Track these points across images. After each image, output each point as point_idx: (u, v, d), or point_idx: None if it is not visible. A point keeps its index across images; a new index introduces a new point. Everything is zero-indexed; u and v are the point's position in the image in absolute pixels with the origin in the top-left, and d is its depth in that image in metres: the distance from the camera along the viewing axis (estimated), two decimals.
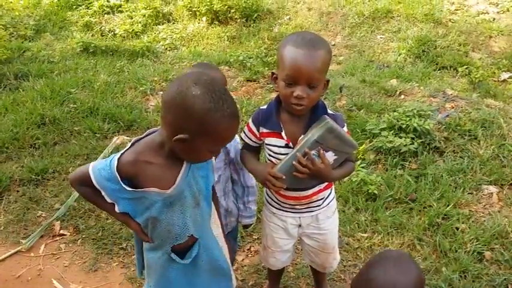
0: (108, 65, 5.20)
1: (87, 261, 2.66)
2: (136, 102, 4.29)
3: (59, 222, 2.92)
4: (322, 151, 1.63)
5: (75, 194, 3.08)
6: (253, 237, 2.82)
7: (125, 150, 1.46)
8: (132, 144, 1.48)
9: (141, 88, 4.49)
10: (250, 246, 2.76)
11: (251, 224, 2.19)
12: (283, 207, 1.93)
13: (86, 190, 1.49)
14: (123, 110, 4.06)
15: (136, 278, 2.53)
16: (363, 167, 3.25)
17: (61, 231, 2.86)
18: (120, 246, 2.74)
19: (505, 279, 2.43)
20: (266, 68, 5.01)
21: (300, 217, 1.95)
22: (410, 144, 3.40)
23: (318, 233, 1.99)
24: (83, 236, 2.83)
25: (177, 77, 1.49)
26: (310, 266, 2.28)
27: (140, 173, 1.43)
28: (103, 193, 1.43)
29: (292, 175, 1.67)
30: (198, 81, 1.33)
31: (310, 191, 1.85)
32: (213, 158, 1.59)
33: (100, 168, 1.42)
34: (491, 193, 3.10)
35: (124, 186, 1.41)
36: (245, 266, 2.61)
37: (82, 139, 3.75)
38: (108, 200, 1.45)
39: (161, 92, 4.52)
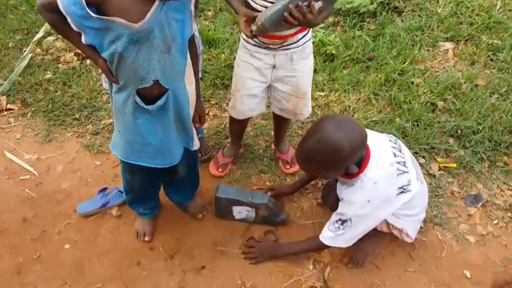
0: None
1: (39, 133, 2.58)
2: None
3: (4, 97, 2.77)
4: (312, 2, 1.58)
5: (19, 69, 2.89)
6: (211, 102, 2.78)
7: None
8: None
9: None
10: (208, 111, 2.73)
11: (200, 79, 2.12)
12: (259, 44, 1.89)
13: (53, 17, 1.37)
14: None
15: (94, 146, 2.49)
16: (321, 28, 3.15)
17: (8, 106, 2.74)
18: (74, 117, 2.66)
19: (455, 125, 2.53)
20: None
21: (274, 55, 1.91)
22: (370, 4, 3.29)
23: (291, 75, 1.97)
24: (33, 109, 2.71)
25: None
26: (274, 118, 2.27)
27: (108, 0, 1.32)
28: (69, 19, 1.33)
29: (280, 24, 1.64)
30: None
31: (286, 32, 1.80)
32: (192, 6, 1.48)
33: None
34: (447, 49, 3.11)
35: (89, 12, 1.31)
36: (205, 129, 2.59)
37: (20, 13, 3.44)
38: (74, 28, 1.36)
39: None
